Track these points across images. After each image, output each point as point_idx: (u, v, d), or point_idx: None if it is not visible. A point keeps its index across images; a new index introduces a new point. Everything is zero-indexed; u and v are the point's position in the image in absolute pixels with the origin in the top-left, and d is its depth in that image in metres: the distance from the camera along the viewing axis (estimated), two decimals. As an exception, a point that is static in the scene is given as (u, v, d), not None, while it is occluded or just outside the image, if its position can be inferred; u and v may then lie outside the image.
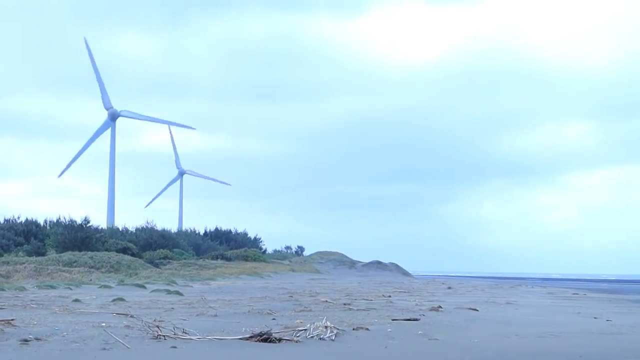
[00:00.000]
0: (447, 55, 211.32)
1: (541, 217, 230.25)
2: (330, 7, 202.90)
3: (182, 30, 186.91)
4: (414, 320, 18.42)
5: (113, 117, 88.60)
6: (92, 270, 46.09)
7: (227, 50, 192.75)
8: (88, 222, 62.90)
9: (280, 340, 13.13)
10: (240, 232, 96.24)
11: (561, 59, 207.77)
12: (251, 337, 13.30)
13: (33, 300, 23.17)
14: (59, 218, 65.80)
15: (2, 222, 65.17)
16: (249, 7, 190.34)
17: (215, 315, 18.76)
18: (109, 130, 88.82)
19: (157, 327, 14.03)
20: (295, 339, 13.33)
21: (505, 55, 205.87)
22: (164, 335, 13.27)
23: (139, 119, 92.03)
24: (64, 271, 43.65)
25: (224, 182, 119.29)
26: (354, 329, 15.48)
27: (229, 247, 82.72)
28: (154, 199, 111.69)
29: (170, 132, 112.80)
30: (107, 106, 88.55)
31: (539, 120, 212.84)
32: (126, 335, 13.45)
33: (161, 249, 64.19)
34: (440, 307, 23.43)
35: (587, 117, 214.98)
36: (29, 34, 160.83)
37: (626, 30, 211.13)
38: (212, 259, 68.80)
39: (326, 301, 25.45)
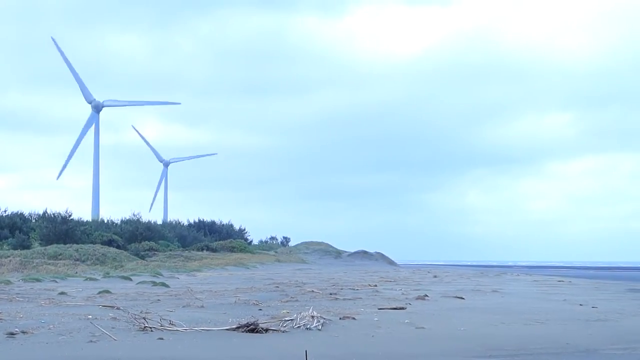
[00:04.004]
0: (429, 50, 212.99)
1: (525, 205, 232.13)
2: (315, 7, 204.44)
3: (172, 29, 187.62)
4: (400, 309, 18.49)
5: (97, 108, 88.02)
6: (78, 262, 45.87)
7: (215, 47, 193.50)
8: (70, 215, 62.58)
9: (267, 330, 13.14)
10: (225, 224, 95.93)
11: (538, 53, 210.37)
12: (238, 327, 13.30)
13: (19, 294, 23.06)
14: (45, 211, 65.45)
15: (-14, 215, 64.69)
16: (237, 6, 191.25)
17: (202, 307, 18.74)
18: (93, 123, 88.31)
19: (144, 318, 14.01)
20: (282, 329, 13.34)
21: (484, 49, 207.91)
22: (150, 327, 13.24)
23: (122, 105, 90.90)
24: (49, 264, 43.45)
25: (209, 154, 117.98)
26: (340, 319, 15.51)
27: (214, 239, 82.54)
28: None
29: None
30: (89, 99, 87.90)
31: (519, 111, 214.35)
32: (113, 327, 13.42)
33: (146, 241, 63.96)
34: (426, 295, 23.50)
35: (566, 108, 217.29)
36: (19, 32, 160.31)
37: (600, 24, 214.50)
38: (198, 250, 68.69)
39: (312, 291, 25.47)
